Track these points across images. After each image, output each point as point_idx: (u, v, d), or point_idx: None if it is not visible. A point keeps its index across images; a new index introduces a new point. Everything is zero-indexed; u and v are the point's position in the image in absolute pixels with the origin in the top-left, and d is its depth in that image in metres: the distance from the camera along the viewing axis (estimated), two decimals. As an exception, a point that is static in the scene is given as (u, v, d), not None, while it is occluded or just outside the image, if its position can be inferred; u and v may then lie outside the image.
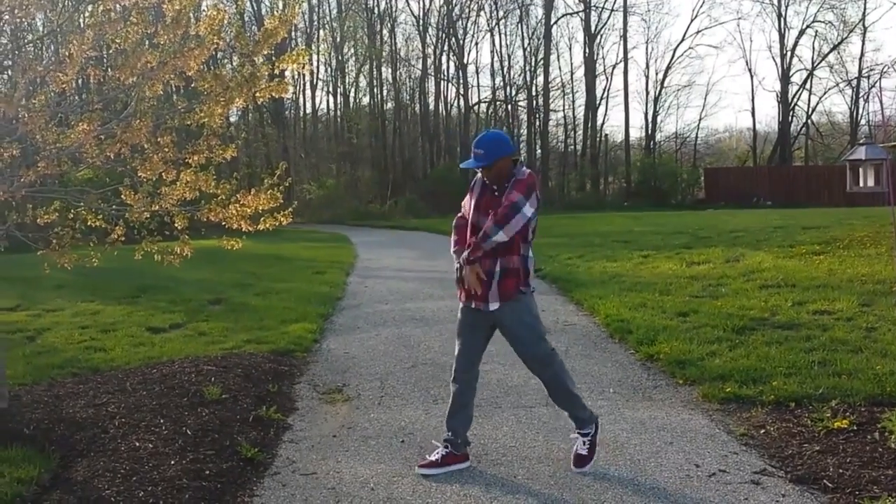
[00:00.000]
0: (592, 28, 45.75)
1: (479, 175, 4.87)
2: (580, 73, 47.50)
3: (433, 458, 4.91)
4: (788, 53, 44.96)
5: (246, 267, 15.65)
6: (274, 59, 6.04)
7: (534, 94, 46.97)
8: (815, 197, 35.02)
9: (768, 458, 4.84)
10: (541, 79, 46.21)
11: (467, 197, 4.95)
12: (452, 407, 4.99)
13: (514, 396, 6.33)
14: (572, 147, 49.23)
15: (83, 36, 5.26)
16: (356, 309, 10.94)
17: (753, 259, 13.04)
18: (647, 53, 64.63)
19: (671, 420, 5.59)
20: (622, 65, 46.02)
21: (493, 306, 4.74)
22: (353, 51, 47.08)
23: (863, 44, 43.69)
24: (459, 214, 5.01)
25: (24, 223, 6.05)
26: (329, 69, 47.14)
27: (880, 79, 36.58)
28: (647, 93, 47.25)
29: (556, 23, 46.77)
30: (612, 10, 46.05)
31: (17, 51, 6.93)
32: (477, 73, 57.78)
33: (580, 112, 47.82)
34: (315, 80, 45.99)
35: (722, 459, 4.83)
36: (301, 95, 46.14)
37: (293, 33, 39.00)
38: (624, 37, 45.61)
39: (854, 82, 44.19)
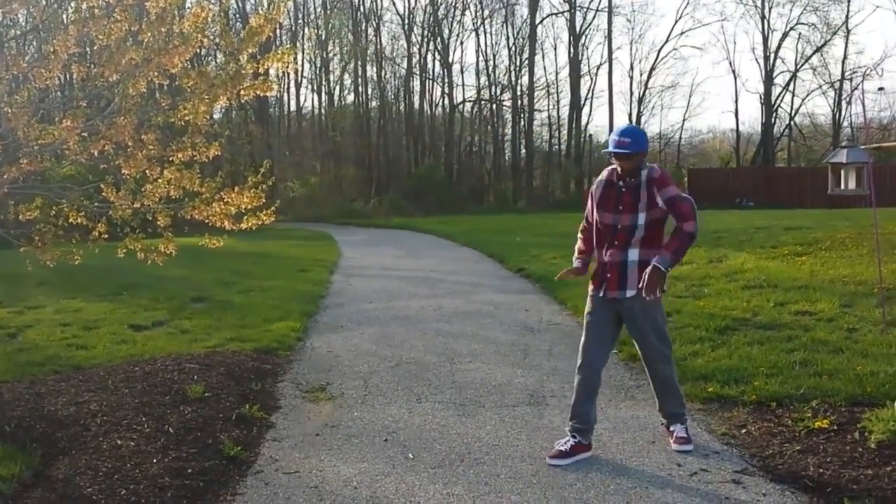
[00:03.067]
0: (577, 28, 45.85)
1: (602, 177, 5.13)
2: (565, 73, 47.68)
3: (562, 448, 4.98)
4: (772, 55, 45.21)
5: (229, 265, 15.60)
6: (259, 57, 6.03)
7: (518, 93, 47.06)
8: (798, 198, 35.17)
9: (749, 457, 4.88)
10: (525, 78, 46.32)
11: (589, 202, 5.19)
12: (581, 395, 5.11)
13: (498, 396, 6.34)
14: (557, 147, 49.35)
15: (66, 32, 5.24)
16: (340, 307, 10.93)
17: (736, 260, 13.11)
18: (631, 54, 65.02)
19: (653, 420, 5.60)
20: (607, 65, 46.09)
21: (630, 293, 4.96)
22: (337, 49, 47.05)
23: (846, 46, 43.94)
24: (584, 224, 5.29)
25: (5, 220, 6.03)
26: (314, 67, 47.09)
27: (863, 81, 36.88)
28: (632, 93, 47.54)
29: (541, 23, 46.87)
30: (597, 10, 46.20)
31: (-1, 46, 6.88)
32: (462, 72, 57.95)
33: (565, 112, 47.96)
34: (299, 78, 45.97)
35: (703, 459, 4.86)
36: (285, 93, 46.13)
37: (278, 31, 38.91)
38: (608, 37, 45.72)
39: (837, 85, 44.48)
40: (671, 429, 5.15)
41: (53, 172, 7.15)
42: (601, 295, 5.05)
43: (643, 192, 4.90)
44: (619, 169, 5.00)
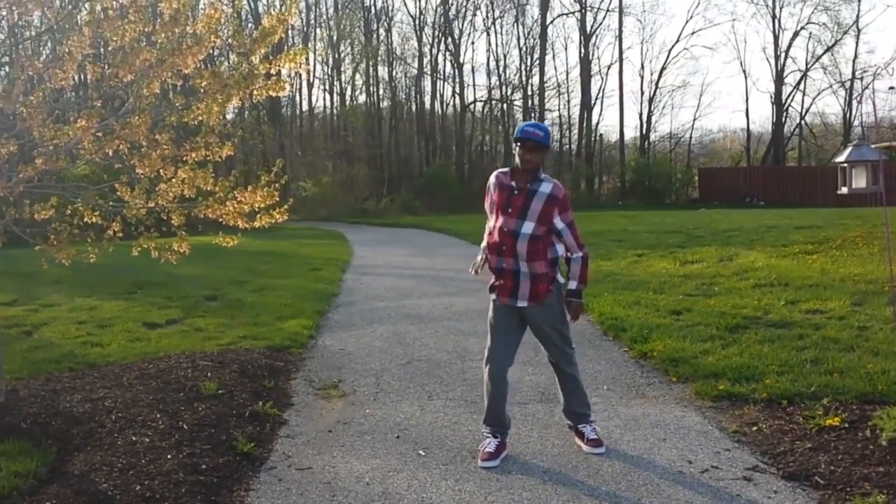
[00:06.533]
0: (588, 28, 45.82)
1: (497, 177, 5.10)
2: (575, 72, 47.66)
3: (490, 449, 5.00)
4: (782, 55, 45.12)
5: (242, 263, 15.66)
6: (271, 57, 6.06)
7: (529, 93, 47.05)
8: (809, 197, 35.13)
9: (760, 454, 4.89)
10: (536, 78, 46.27)
11: (488, 199, 5.18)
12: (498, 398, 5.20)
13: (509, 393, 6.34)
14: (567, 146, 49.32)
15: (81, 33, 5.28)
16: (352, 306, 10.97)
17: (747, 258, 13.09)
18: (642, 54, 65.10)
19: (664, 417, 5.63)
20: (617, 65, 46.10)
21: (522, 304, 5.02)
22: (349, 49, 47.09)
23: (856, 46, 43.93)
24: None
25: (21, 219, 6.06)
26: (325, 67, 47.16)
27: (873, 81, 36.71)
28: (642, 93, 47.61)
29: (551, 23, 46.83)
30: (608, 10, 46.19)
31: (15, 47, 6.95)
32: (473, 72, 57.86)
33: (575, 112, 47.93)
34: (311, 78, 46.00)
35: (714, 456, 4.88)
36: (297, 93, 46.18)
37: (290, 31, 39.00)
38: (619, 37, 45.68)
39: (847, 84, 44.35)
40: (581, 430, 5.15)
41: (68, 172, 7.21)
42: (498, 302, 5.10)
43: (536, 203, 4.88)
44: (518, 164, 4.95)
